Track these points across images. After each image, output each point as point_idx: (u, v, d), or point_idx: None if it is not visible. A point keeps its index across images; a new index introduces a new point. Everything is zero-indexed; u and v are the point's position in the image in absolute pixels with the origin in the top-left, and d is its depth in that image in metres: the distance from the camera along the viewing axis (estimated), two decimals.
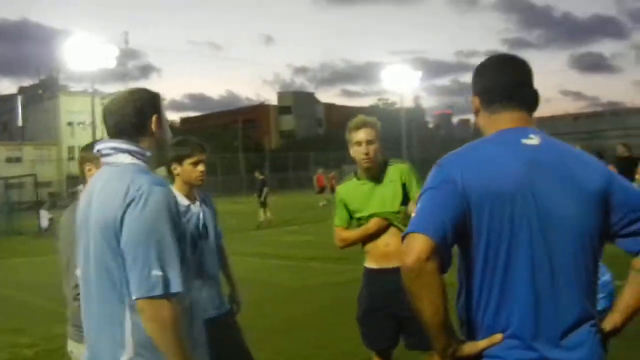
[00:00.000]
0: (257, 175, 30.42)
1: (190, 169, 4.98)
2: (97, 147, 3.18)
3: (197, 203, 5.05)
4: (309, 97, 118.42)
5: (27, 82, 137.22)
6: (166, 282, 2.81)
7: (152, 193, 2.90)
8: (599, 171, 2.65)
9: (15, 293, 14.15)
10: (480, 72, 2.85)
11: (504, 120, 2.72)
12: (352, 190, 5.37)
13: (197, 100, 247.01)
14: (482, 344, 2.55)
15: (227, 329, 5.04)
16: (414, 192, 5.08)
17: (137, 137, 3.14)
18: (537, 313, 2.51)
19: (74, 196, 20.55)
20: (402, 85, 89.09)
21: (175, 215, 2.99)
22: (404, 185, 5.17)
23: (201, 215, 5.00)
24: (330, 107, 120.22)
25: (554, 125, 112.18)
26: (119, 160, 3.09)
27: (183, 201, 4.88)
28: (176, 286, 2.85)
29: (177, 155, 4.93)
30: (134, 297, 2.82)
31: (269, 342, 7.74)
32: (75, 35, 55.43)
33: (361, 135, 5.14)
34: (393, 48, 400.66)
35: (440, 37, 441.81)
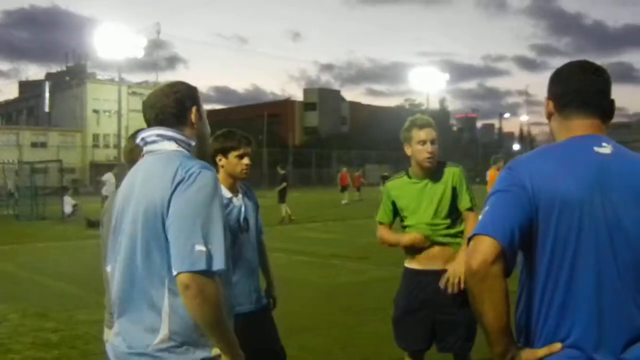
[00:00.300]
0: (279, 170, 30.42)
1: (236, 162, 4.94)
2: (142, 135, 3.19)
3: (240, 196, 5.02)
4: (335, 95, 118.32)
5: (54, 69, 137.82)
6: (209, 258, 2.79)
7: (202, 174, 2.91)
8: None
9: (39, 277, 14.18)
10: (558, 76, 2.80)
11: (578, 126, 2.69)
12: (403, 187, 5.35)
13: (223, 93, 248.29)
14: (541, 352, 2.51)
15: (263, 324, 5.00)
16: (464, 198, 5.16)
17: (178, 127, 3.16)
18: (600, 325, 2.47)
19: (100, 184, 20.78)
20: (428, 86, 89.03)
21: (222, 200, 3.01)
22: (454, 189, 5.17)
23: (243, 209, 4.97)
24: (355, 105, 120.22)
25: None
26: (164, 147, 3.11)
27: (226, 194, 4.84)
28: (219, 263, 2.82)
29: (223, 147, 4.92)
30: (175, 272, 2.79)
31: (294, 339, 7.71)
32: (105, 23, 55.61)
33: (425, 134, 5.12)
34: (420, 49, 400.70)
35: (468, 40, 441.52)
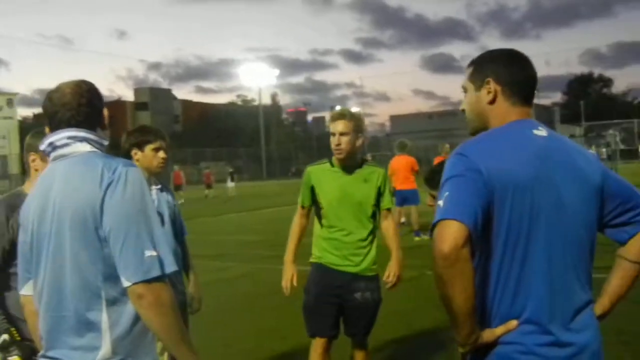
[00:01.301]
0: None
1: (152, 155, 4.97)
2: (50, 139, 2.94)
3: (155, 191, 5.02)
4: (166, 93, 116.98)
5: None
6: (161, 263, 2.68)
7: (130, 173, 2.77)
8: (596, 164, 2.80)
9: None
10: (505, 61, 2.85)
11: (518, 112, 2.79)
12: (321, 172, 5.46)
13: None
14: (498, 330, 2.58)
15: None
16: (386, 198, 5.41)
17: (92, 129, 2.98)
18: (552, 299, 2.59)
19: None
20: (258, 82, 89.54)
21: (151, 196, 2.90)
22: (378, 188, 5.35)
23: (156, 203, 4.94)
24: (187, 103, 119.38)
25: (410, 123, 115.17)
26: (78, 149, 2.91)
27: None
28: (171, 265, 2.73)
29: (138, 141, 4.95)
30: (129, 283, 2.63)
31: None
32: None
33: (336, 126, 5.22)
34: (247, 45, 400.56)
35: (294, 35, 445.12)
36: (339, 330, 5.49)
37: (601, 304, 2.84)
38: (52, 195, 2.85)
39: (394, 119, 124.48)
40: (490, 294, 2.62)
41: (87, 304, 2.75)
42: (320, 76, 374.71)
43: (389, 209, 5.46)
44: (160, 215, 4.88)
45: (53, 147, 2.95)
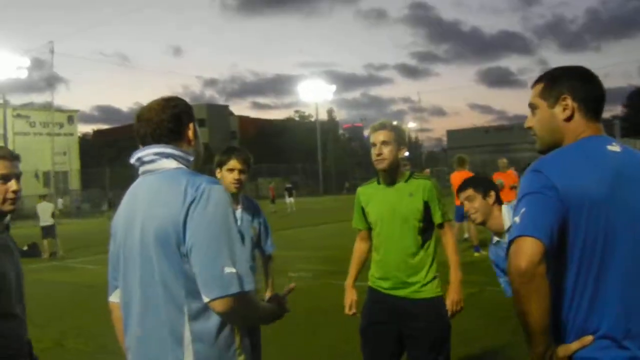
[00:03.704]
0: None
1: (227, 175, 5.25)
2: (138, 155, 3.04)
3: (239, 209, 5.30)
4: (223, 110, 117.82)
5: None
6: (240, 280, 2.74)
7: (213, 191, 2.83)
8: None
9: None
10: (580, 78, 2.88)
11: (592, 128, 2.82)
12: (370, 191, 5.33)
13: (106, 112, 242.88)
14: (574, 346, 2.60)
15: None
16: (436, 212, 5.10)
17: (175, 143, 3.05)
18: (627, 316, 2.60)
19: None
20: (315, 97, 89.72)
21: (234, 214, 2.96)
22: (425, 203, 5.06)
23: (238, 223, 5.02)
24: (244, 119, 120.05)
25: (467, 137, 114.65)
26: (164, 165, 3.00)
27: None
28: (250, 283, 2.79)
29: (219, 161, 5.31)
30: (208, 299, 2.71)
31: None
32: None
33: (377, 136, 5.07)
34: (302, 60, 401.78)
35: (349, 50, 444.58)
36: None
37: None
38: (138, 209, 2.96)
39: (451, 133, 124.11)
40: (565, 310, 2.66)
41: (173, 319, 2.82)
42: (376, 91, 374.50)
43: (443, 224, 5.15)
44: (242, 234, 5.02)
45: (141, 162, 3.05)
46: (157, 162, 3.01)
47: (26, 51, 63.84)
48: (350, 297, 5.35)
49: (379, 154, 5.04)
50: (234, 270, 2.73)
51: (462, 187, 4.69)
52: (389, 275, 5.09)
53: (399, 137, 5.13)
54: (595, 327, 2.60)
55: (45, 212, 23.56)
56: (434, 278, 5.05)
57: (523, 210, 2.60)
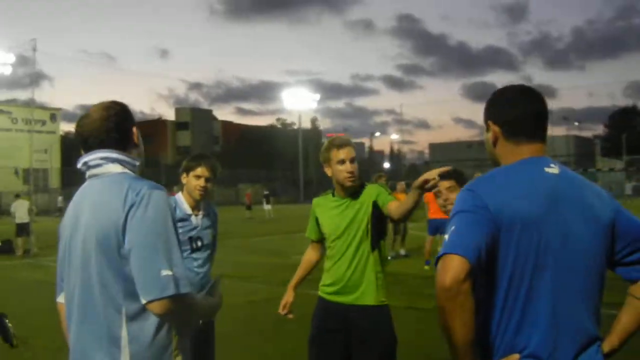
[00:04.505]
0: None
1: (193, 181, 5.36)
2: (84, 159, 3.13)
3: (200, 215, 5.42)
4: (207, 114, 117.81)
5: None
6: (176, 282, 2.80)
7: (153, 195, 2.92)
8: (608, 202, 2.83)
9: None
10: (503, 102, 2.92)
11: (527, 150, 2.83)
12: (324, 203, 5.40)
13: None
14: None
15: (204, 341, 5.39)
16: (384, 198, 5.07)
17: (124, 149, 3.16)
18: (555, 334, 2.63)
19: None
20: (299, 105, 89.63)
21: (175, 218, 3.03)
22: (374, 203, 5.08)
23: (198, 228, 5.38)
24: (227, 124, 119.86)
25: (450, 151, 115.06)
26: (109, 170, 3.09)
27: (187, 210, 5.35)
28: (185, 286, 2.85)
29: (186, 166, 5.41)
30: (145, 300, 2.79)
31: None
32: None
33: (344, 153, 5.11)
34: (288, 68, 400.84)
35: (336, 60, 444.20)
36: None
37: (609, 342, 2.85)
38: (83, 212, 3.05)
39: (434, 146, 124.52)
40: (493, 327, 2.68)
41: (108, 320, 2.89)
42: (361, 102, 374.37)
43: (392, 201, 5.03)
44: (200, 239, 5.33)
45: (87, 166, 3.14)
46: (103, 167, 3.11)
47: (10, 47, 63.44)
48: (287, 298, 5.49)
49: (352, 172, 5.10)
50: (170, 272, 2.80)
51: (446, 176, 4.76)
52: (337, 282, 5.14)
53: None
54: (522, 346, 2.63)
55: (20, 209, 23.55)
56: (381, 285, 5.09)
57: (452, 228, 2.63)
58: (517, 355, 2.63)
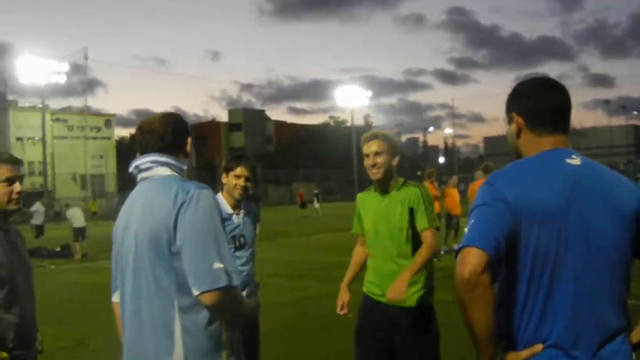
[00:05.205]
0: None
1: (232, 180, 5.46)
2: (135, 163, 3.32)
3: (241, 214, 5.52)
4: (259, 114, 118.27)
5: None
6: (228, 274, 2.96)
7: (202, 194, 3.07)
8: (633, 191, 2.81)
9: None
10: (527, 93, 2.93)
11: (549, 141, 2.84)
12: (367, 198, 5.45)
13: (144, 116, 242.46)
14: (523, 354, 2.66)
15: (249, 339, 5.33)
16: (421, 218, 5.07)
17: (174, 155, 3.33)
18: (578, 325, 2.64)
19: (29, 214, 19.84)
20: (351, 103, 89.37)
21: (222, 216, 3.19)
22: (411, 210, 5.09)
23: (240, 227, 5.48)
24: (280, 124, 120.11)
25: (505, 145, 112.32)
26: (159, 173, 3.26)
27: (227, 209, 5.42)
28: (236, 279, 3.02)
29: (226, 166, 5.55)
30: (197, 292, 2.93)
31: None
32: (25, 50, 55.09)
33: (370, 147, 5.16)
34: (339, 66, 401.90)
35: (387, 55, 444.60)
36: None
37: (638, 332, 2.82)
38: (134, 214, 3.23)
39: (488, 140, 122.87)
40: (516, 318, 2.70)
41: (162, 312, 3.05)
42: (414, 97, 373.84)
43: (426, 229, 5.03)
44: (243, 237, 5.46)
45: (138, 169, 3.33)
46: (153, 170, 3.27)
47: (64, 56, 64.51)
48: (343, 298, 5.44)
49: (374, 165, 5.14)
50: (222, 265, 2.95)
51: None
52: (380, 282, 5.16)
53: (391, 147, 5.22)
54: (545, 336, 2.65)
55: (76, 215, 23.99)
56: (424, 286, 5.10)
57: (472, 221, 2.67)
58: (540, 346, 2.66)
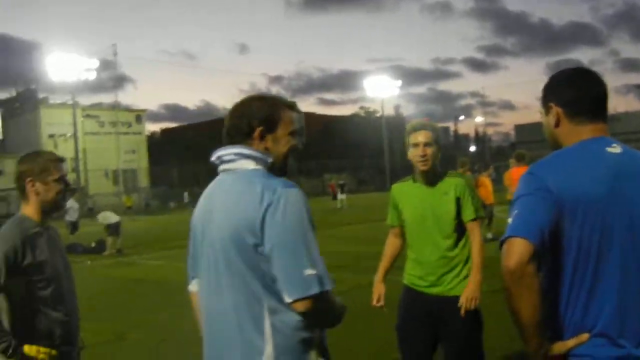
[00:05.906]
0: None
1: None
2: (218, 153, 3.14)
3: None
4: None
5: (2, 96, 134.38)
6: (320, 280, 2.81)
7: (290, 195, 2.88)
8: None
9: None
10: (564, 83, 2.92)
11: (588, 130, 2.82)
12: (405, 189, 5.36)
13: (174, 110, 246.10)
14: (570, 343, 2.65)
15: None
16: (467, 208, 5.09)
17: (249, 142, 3.11)
18: (623, 313, 2.62)
19: (63, 211, 19.78)
20: (381, 93, 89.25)
21: (310, 215, 2.97)
22: (457, 200, 5.08)
23: None
24: (310, 115, 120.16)
25: (536, 132, 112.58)
26: (242, 166, 3.06)
27: None
28: (328, 283, 2.85)
29: None
30: (290, 300, 2.79)
31: None
32: (54, 47, 55.61)
33: (419, 137, 5.06)
34: (368, 56, 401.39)
35: (416, 45, 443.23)
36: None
37: None
38: (215, 208, 3.06)
39: (519, 128, 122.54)
40: (562, 308, 2.69)
41: (252, 310, 2.90)
42: (444, 86, 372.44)
43: (473, 220, 5.08)
44: None
45: (221, 160, 3.14)
46: (236, 162, 3.08)
47: (94, 53, 65.11)
48: (378, 290, 5.42)
49: (424, 155, 5.04)
50: (313, 271, 2.81)
51: None
52: (423, 273, 5.13)
53: (438, 137, 5.17)
54: (591, 325, 2.64)
55: (107, 217, 24.13)
56: (468, 276, 5.04)
57: (515, 211, 2.66)
58: (586, 335, 2.64)
